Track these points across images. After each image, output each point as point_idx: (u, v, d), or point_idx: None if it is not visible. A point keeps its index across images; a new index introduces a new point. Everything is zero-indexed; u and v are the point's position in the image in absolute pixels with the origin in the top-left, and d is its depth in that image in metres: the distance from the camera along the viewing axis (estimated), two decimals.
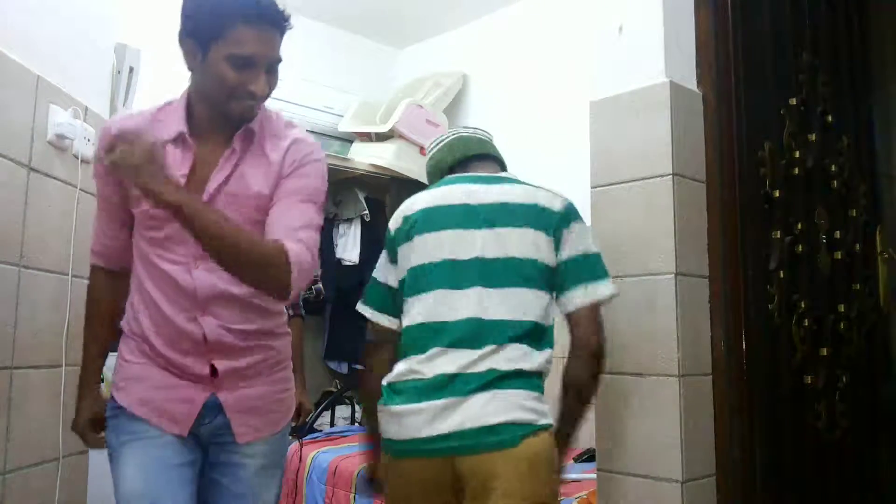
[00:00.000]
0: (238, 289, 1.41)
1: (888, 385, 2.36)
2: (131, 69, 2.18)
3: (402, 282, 1.60)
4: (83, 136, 1.78)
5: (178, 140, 1.41)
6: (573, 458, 3.02)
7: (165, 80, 3.40)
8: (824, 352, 2.04)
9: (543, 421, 1.46)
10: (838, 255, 2.18)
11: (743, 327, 1.77)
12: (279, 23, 1.37)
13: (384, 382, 1.53)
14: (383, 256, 1.69)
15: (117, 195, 1.45)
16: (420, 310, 1.53)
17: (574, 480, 2.64)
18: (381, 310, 1.66)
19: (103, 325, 1.53)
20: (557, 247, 1.54)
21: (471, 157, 1.70)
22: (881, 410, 2.30)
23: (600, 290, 1.54)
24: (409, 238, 1.59)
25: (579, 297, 1.53)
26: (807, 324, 1.99)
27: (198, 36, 1.34)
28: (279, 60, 1.40)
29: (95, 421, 1.49)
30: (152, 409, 1.42)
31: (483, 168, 1.69)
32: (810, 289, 2.04)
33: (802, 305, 1.99)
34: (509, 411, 1.41)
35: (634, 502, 1.68)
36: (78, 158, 1.77)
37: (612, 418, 1.74)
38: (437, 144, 1.78)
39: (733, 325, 1.76)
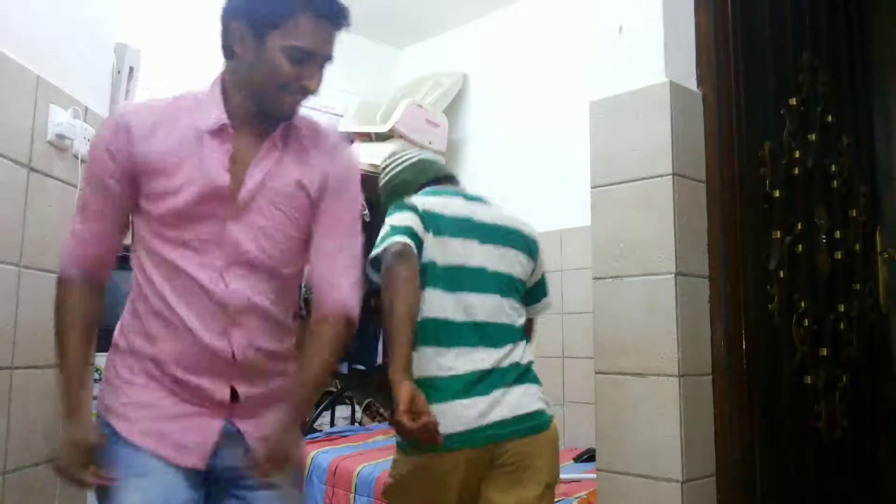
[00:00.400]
0: (269, 302, 1.32)
1: (888, 385, 2.36)
2: (131, 69, 2.18)
3: (425, 265, 1.65)
4: (83, 136, 1.78)
5: (218, 131, 1.28)
6: (573, 458, 3.03)
7: (165, 80, 3.42)
8: (824, 352, 2.05)
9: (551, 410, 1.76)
10: (838, 255, 2.18)
11: (743, 327, 1.77)
12: (341, 20, 1.29)
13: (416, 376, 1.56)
14: (411, 218, 1.66)
15: (128, 190, 1.29)
16: (445, 305, 1.66)
17: (574, 480, 2.64)
18: (415, 244, 1.64)
19: (88, 344, 1.35)
20: (534, 269, 1.86)
21: (442, 176, 1.90)
22: (881, 410, 2.30)
23: (548, 303, 1.94)
24: (437, 232, 1.68)
25: (539, 308, 1.91)
26: (807, 324, 1.99)
27: (253, 21, 1.24)
28: (331, 59, 1.32)
29: (94, 453, 1.24)
30: (160, 440, 1.25)
31: (454, 186, 1.90)
32: (810, 289, 2.04)
33: (802, 305, 1.99)
34: (538, 401, 1.71)
35: (634, 502, 1.68)
36: (78, 158, 1.77)
37: (612, 418, 1.74)
38: (401, 164, 1.92)
39: (733, 325, 1.76)
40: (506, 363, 1.67)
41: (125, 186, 1.29)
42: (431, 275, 1.65)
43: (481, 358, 1.64)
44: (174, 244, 1.28)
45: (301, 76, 1.27)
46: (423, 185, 1.85)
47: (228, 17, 1.27)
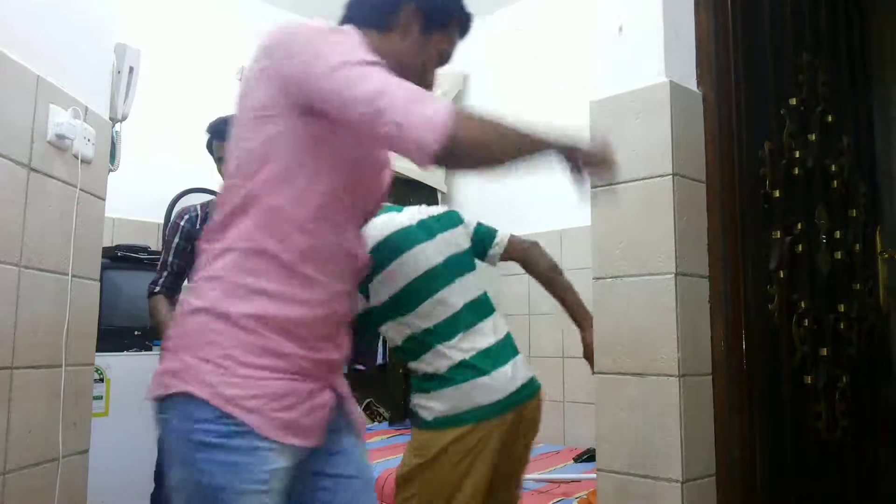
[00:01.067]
0: None
1: (888, 385, 2.36)
2: (131, 69, 2.17)
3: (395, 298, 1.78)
4: (83, 136, 1.78)
5: None
6: (573, 458, 3.03)
7: (166, 80, 3.43)
8: (824, 352, 2.05)
9: None
10: (838, 254, 2.18)
11: (743, 327, 1.77)
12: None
13: (435, 371, 1.72)
14: None
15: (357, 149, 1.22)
16: (425, 315, 1.77)
17: (574, 480, 2.64)
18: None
19: None
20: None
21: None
22: (881, 410, 2.30)
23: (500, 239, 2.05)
24: (390, 255, 1.78)
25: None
26: (807, 324, 1.99)
27: (429, 16, 1.32)
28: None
29: None
30: (296, 431, 1.13)
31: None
32: (810, 289, 2.04)
33: (802, 305, 1.99)
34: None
35: (635, 502, 1.68)
36: (78, 159, 1.77)
37: (612, 418, 1.74)
38: None
39: (733, 325, 1.76)
40: (500, 335, 1.83)
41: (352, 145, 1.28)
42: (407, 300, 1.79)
43: (482, 335, 1.79)
44: (339, 207, 1.26)
45: (432, 73, 1.37)
46: None
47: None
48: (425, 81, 1.32)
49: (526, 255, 2.02)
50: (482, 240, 1.99)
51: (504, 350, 1.80)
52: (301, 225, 1.15)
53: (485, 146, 1.11)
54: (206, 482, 1.07)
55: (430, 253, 1.81)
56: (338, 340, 1.23)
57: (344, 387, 1.28)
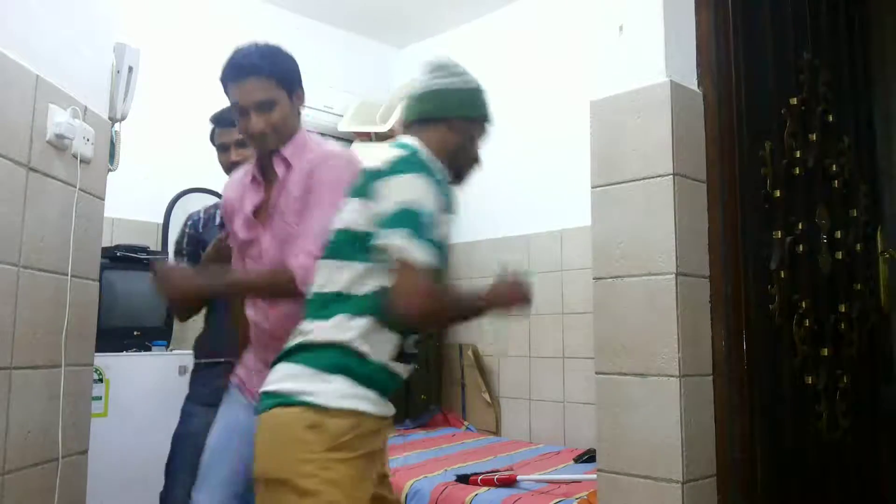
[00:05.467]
0: None
1: (889, 385, 2.35)
2: (131, 69, 2.17)
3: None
4: (82, 135, 1.78)
5: (253, 180, 1.77)
6: (573, 459, 3.03)
7: (165, 79, 3.42)
8: (825, 352, 2.04)
9: (297, 397, 1.37)
10: (839, 255, 2.18)
11: (743, 327, 1.77)
12: (256, 70, 1.65)
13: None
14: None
15: None
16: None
17: (574, 481, 2.64)
18: None
19: None
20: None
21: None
22: (882, 411, 2.30)
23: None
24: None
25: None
26: (807, 324, 1.99)
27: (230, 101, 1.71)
28: (270, 100, 1.67)
29: None
30: None
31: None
32: (811, 289, 2.04)
33: (803, 305, 1.98)
34: (271, 383, 1.43)
35: (635, 503, 1.68)
36: (77, 158, 1.77)
37: (612, 418, 1.74)
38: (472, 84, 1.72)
39: (734, 325, 1.75)
40: (293, 341, 1.46)
41: None
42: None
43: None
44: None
45: (245, 124, 1.70)
46: None
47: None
48: (249, 137, 1.74)
49: None
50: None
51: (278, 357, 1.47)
52: None
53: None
54: None
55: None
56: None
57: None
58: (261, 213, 1.75)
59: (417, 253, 1.34)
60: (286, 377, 1.41)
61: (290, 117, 1.73)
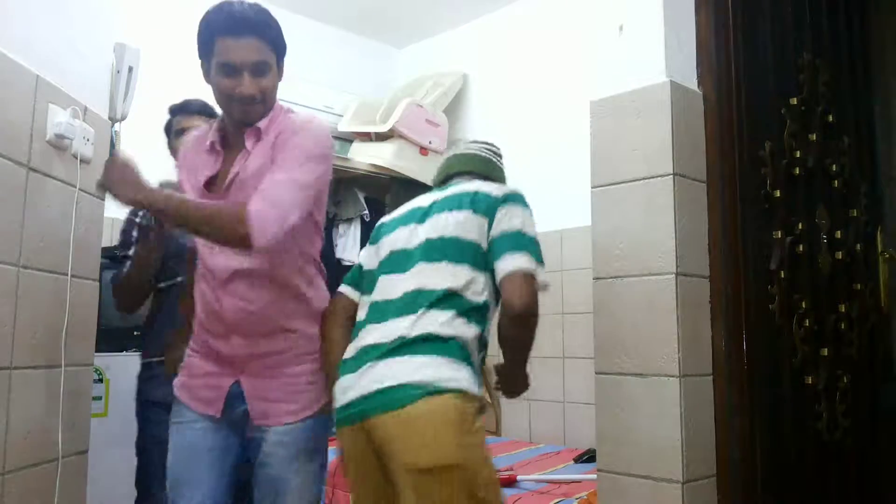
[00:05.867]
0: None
1: (889, 385, 2.35)
2: (131, 69, 2.18)
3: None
4: (82, 135, 1.78)
5: (211, 148, 1.65)
6: (573, 459, 3.03)
7: (165, 79, 3.42)
8: (825, 352, 2.04)
9: (445, 384, 1.46)
10: (839, 255, 2.18)
11: (743, 327, 1.77)
12: (256, 29, 1.53)
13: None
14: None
15: None
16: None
17: (574, 481, 2.64)
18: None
19: None
20: (490, 227, 1.61)
21: (452, 174, 1.83)
22: (882, 411, 2.30)
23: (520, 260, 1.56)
24: (375, 241, 1.80)
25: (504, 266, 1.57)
26: (807, 324, 1.99)
27: (201, 55, 1.58)
28: (265, 63, 1.57)
29: None
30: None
31: (461, 184, 1.75)
32: (811, 289, 2.04)
33: (803, 305, 1.98)
34: (414, 372, 1.48)
35: (635, 503, 1.68)
36: (77, 158, 1.77)
37: (612, 418, 1.74)
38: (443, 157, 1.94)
39: (734, 325, 1.75)
40: (389, 338, 1.54)
41: None
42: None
43: (375, 332, 1.59)
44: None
45: (234, 86, 1.55)
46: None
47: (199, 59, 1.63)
48: (236, 98, 1.57)
49: None
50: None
51: (368, 353, 1.54)
52: None
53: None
54: None
55: (391, 241, 1.72)
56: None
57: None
58: (215, 185, 1.63)
59: (538, 271, 1.55)
60: (423, 366, 1.47)
61: (275, 88, 1.63)
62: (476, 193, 1.65)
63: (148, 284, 2.15)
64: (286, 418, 1.63)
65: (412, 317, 1.53)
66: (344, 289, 1.79)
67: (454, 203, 1.66)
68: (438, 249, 1.60)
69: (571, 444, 3.41)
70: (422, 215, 1.70)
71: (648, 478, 1.66)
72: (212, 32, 1.53)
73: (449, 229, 1.62)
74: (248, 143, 1.61)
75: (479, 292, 1.57)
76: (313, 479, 1.67)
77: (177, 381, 1.73)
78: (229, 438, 1.67)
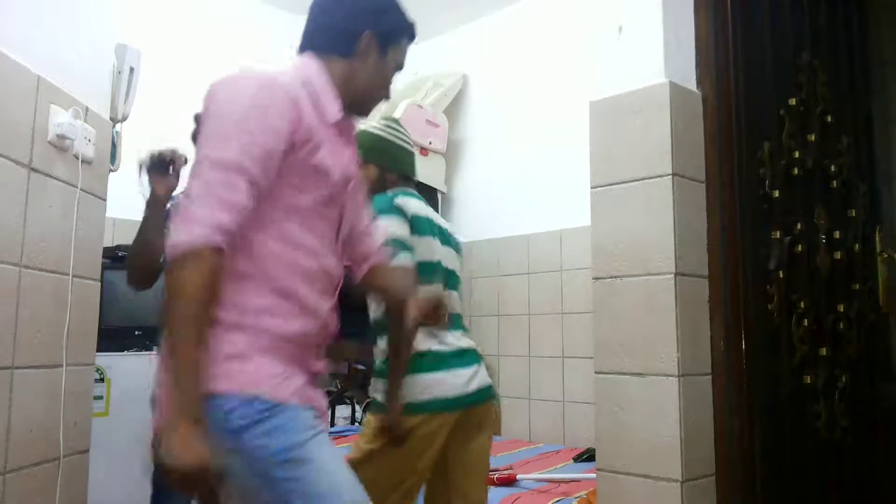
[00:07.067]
0: None
1: (888, 385, 2.36)
2: (131, 69, 2.17)
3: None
4: (83, 136, 1.79)
5: (340, 125, 1.36)
6: (573, 458, 3.03)
7: (166, 79, 3.43)
8: (824, 352, 2.05)
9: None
10: (838, 255, 2.18)
11: (742, 327, 1.77)
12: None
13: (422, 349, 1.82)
14: (401, 226, 1.83)
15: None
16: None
17: (574, 480, 2.65)
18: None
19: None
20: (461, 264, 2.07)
21: (412, 175, 2.04)
22: (881, 410, 2.31)
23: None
24: (421, 234, 1.88)
25: None
26: (806, 324, 1.99)
27: (382, 36, 1.42)
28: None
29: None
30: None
31: (424, 205, 1.99)
32: (810, 289, 2.04)
33: (802, 305, 1.99)
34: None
35: (634, 502, 1.68)
36: (78, 159, 1.77)
37: (612, 418, 1.75)
38: (404, 140, 2.03)
39: (733, 325, 1.76)
40: (471, 344, 1.95)
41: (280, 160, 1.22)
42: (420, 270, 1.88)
43: (460, 339, 1.92)
44: (308, 227, 1.27)
45: (390, 84, 1.50)
46: (401, 178, 1.99)
47: (359, 25, 1.40)
48: (387, 93, 1.49)
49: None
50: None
51: (468, 356, 1.90)
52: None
53: (174, 295, 1.12)
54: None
55: (438, 249, 1.93)
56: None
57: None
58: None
59: None
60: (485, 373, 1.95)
61: None
62: (451, 235, 2.04)
63: (162, 246, 2.06)
64: None
65: (460, 331, 1.95)
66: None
67: (451, 242, 2.01)
68: (453, 282, 1.99)
69: (571, 443, 3.42)
70: (441, 237, 1.97)
71: (647, 477, 1.66)
72: (403, 31, 1.48)
73: (451, 265, 1.99)
74: (354, 133, 1.46)
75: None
76: None
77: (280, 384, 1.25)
78: None
